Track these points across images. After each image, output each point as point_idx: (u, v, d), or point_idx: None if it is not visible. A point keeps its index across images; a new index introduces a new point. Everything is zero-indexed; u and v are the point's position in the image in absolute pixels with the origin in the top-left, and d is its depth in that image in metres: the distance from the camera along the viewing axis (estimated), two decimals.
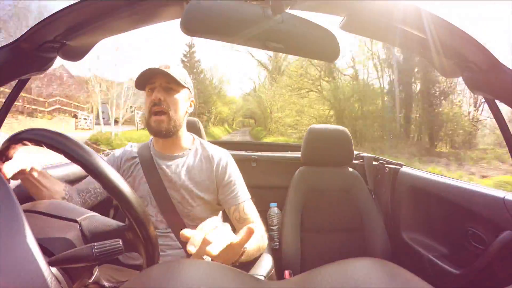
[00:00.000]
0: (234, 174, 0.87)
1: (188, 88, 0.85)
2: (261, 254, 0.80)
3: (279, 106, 12.81)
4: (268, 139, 12.71)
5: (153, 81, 0.80)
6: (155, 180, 0.82)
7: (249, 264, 0.75)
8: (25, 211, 0.43)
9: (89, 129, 13.71)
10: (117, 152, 0.91)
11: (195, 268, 0.31)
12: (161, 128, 0.80)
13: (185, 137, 0.90)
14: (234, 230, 0.88)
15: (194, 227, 0.84)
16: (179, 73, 0.82)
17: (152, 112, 0.80)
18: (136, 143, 0.94)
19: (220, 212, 0.98)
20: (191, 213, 0.83)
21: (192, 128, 1.20)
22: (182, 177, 0.83)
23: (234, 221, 0.83)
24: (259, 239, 0.72)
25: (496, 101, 0.65)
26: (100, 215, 0.49)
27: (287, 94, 11.77)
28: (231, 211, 0.83)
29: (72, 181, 0.99)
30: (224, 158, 0.89)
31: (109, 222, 0.47)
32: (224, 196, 0.85)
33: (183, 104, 0.84)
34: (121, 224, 0.46)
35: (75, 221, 0.44)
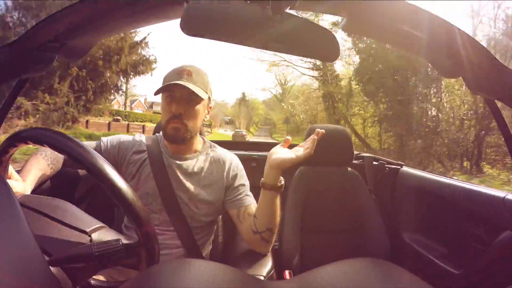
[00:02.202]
0: (244, 178, 0.88)
1: (209, 96, 0.84)
2: (265, 253, 0.81)
3: (281, 122, 26.48)
4: (275, 134, 24.42)
5: (174, 89, 0.77)
6: (163, 178, 0.82)
7: (249, 264, 0.76)
8: (30, 208, 0.43)
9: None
10: (126, 138, 0.88)
11: (195, 268, 0.31)
12: (178, 136, 0.79)
13: (197, 141, 0.90)
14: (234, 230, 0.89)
15: (197, 227, 0.85)
16: (200, 81, 0.80)
17: (170, 121, 0.79)
18: (145, 135, 0.92)
19: (220, 216, 0.98)
20: (195, 214, 0.83)
21: None
22: (191, 179, 0.83)
23: (237, 221, 0.83)
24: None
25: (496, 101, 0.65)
26: (109, 228, 0.49)
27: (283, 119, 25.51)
28: (235, 212, 0.83)
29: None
30: (235, 162, 0.90)
31: (119, 237, 0.46)
32: (230, 198, 0.85)
33: (202, 114, 0.83)
34: (131, 241, 0.46)
35: (86, 233, 0.44)
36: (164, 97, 0.81)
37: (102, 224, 0.47)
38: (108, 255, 0.40)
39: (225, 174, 0.86)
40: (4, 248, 0.30)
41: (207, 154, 0.89)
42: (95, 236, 0.44)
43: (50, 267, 0.35)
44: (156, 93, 0.80)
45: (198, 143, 0.90)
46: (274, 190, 0.73)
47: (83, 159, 0.41)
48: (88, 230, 0.44)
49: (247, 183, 0.89)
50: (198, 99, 0.79)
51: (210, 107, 0.89)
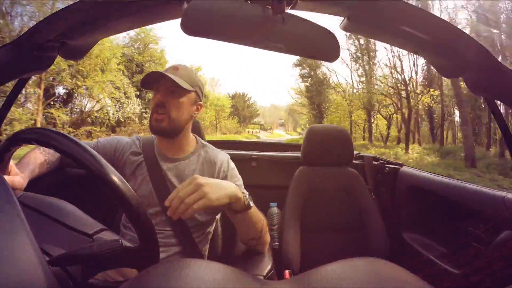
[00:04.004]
0: (234, 179, 0.87)
1: (195, 91, 0.84)
2: (261, 251, 0.81)
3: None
4: None
5: (160, 82, 0.80)
6: (158, 181, 0.82)
7: (249, 264, 0.76)
8: (32, 208, 0.43)
9: None
10: (123, 140, 0.90)
11: (195, 268, 0.31)
12: (160, 128, 0.80)
13: (189, 140, 0.89)
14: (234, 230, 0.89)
15: (194, 226, 0.85)
16: (187, 76, 0.81)
17: (154, 112, 0.80)
18: (142, 136, 0.93)
19: (219, 215, 0.98)
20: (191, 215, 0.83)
21: (193, 129, 1.19)
22: (183, 181, 0.83)
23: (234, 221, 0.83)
24: (263, 217, 0.77)
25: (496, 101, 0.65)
26: (111, 231, 0.49)
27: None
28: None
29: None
30: (225, 163, 0.89)
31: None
32: None
33: (187, 107, 0.83)
34: (132, 245, 0.46)
35: (88, 235, 0.44)
36: (153, 93, 0.83)
37: (104, 227, 0.47)
38: (108, 255, 0.40)
39: (215, 175, 0.86)
40: (4, 248, 0.30)
41: (199, 155, 0.89)
42: (97, 239, 0.44)
43: (50, 267, 0.35)
44: (141, 84, 0.82)
45: (189, 143, 0.90)
46: (240, 212, 0.67)
47: (82, 159, 0.41)
48: (90, 233, 0.44)
49: (238, 183, 0.87)
50: (182, 91, 0.80)
51: (200, 105, 0.89)
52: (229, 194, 0.62)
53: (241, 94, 24.11)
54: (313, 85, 14.97)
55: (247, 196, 0.67)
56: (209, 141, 1.05)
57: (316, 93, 14.89)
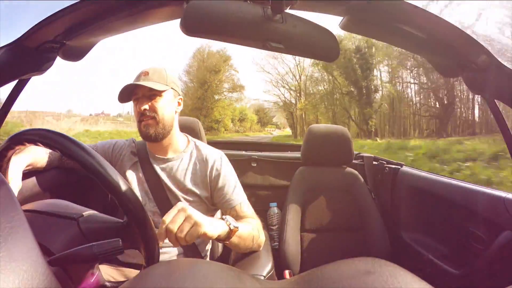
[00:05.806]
0: (228, 177, 0.86)
1: (172, 88, 0.85)
2: (257, 251, 0.81)
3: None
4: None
5: (136, 92, 0.81)
6: (153, 180, 0.83)
7: (249, 264, 0.76)
8: (24, 211, 0.43)
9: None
10: (120, 141, 0.92)
11: (195, 268, 0.31)
12: (150, 132, 0.80)
13: (179, 139, 0.89)
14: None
15: None
16: (159, 77, 0.82)
17: (140, 121, 0.81)
18: (138, 140, 0.94)
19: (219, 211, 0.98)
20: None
21: (192, 129, 1.19)
22: (176, 181, 0.84)
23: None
24: (252, 227, 0.76)
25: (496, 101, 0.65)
26: (98, 213, 0.49)
27: None
28: (227, 213, 0.83)
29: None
30: (218, 161, 0.87)
31: (107, 220, 0.47)
32: (219, 200, 0.84)
33: (169, 106, 0.84)
34: (119, 221, 0.46)
35: (74, 219, 0.44)
36: (132, 104, 0.84)
37: (91, 211, 0.48)
38: (108, 255, 0.40)
39: (208, 173, 0.85)
40: (4, 248, 0.30)
41: (191, 154, 0.88)
42: (82, 220, 0.45)
43: (50, 267, 0.35)
44: (120, 100, 0.83)
45: (180, 142, 0.89)
46: (226, 239, 0.64)
47: (82, 159, 0.41)
48: (76, 216, 0.44)
49: (232, 181, 0.86)
50: (158, 93, 0.81)
51: (181, 98, 0.90)
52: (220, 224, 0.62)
53: (262, 108, 38.57)
54: (289, 118, 25.95)
55: (229, 221, 0.64)
56: (208, 142, 1.05)
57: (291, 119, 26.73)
